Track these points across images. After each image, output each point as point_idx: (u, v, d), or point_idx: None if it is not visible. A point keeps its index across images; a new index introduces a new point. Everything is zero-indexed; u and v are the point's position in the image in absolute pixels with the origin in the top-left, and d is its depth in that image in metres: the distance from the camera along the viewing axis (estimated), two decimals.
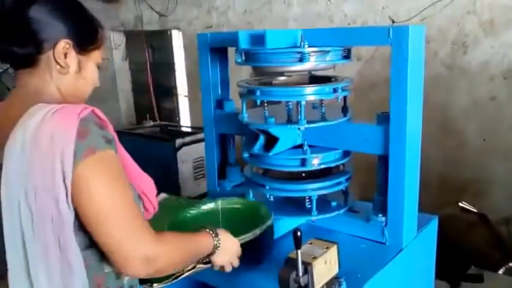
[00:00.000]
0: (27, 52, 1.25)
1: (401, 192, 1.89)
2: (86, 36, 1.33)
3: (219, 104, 2.42)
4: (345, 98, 2.07)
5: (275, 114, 2.03)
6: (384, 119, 1.89)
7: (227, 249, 1.57)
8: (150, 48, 6.79)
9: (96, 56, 1.37)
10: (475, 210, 3.45)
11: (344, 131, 2.01)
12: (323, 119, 2.03)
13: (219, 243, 1.53)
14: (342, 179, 2.09)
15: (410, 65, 1.78)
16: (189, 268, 1.63)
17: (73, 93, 1.34)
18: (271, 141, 1.98)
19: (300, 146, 2.06)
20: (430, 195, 3.55)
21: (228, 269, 1.61)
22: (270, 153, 1.99)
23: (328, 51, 1.93)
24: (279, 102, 2.17)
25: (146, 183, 1.41)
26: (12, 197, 1.15)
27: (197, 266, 1.66)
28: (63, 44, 1.26)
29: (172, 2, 5.97)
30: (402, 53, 1.77)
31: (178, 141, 4.93)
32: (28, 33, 1.23)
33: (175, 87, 6.81)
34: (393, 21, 4.13)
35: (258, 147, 2.03)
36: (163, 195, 2.21)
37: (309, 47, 1.89)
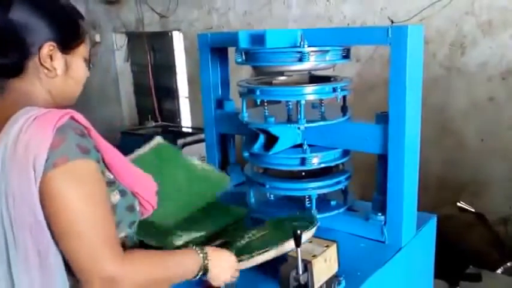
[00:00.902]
0: (12, 61, 1.22)
1: (400, 191, 1.90)
2: (69, 33, 1.29)
3: (219, 104, 2.43)
4: (344, 97, 2.07)
5: (275, 113, 2.04)
6: (382, 118, 1.90)
7: (224, 268, 1.52)
8: (151, 50, 6.80)
9: (81, 51, 1.33)
10: (473, 210, 3.46)
11: (343, 130, 2.02)
12: (323, 118, 2.04)
13: (208, 262, 1.44)
14: (342, 178, 2.10)
15: (409, 64, 1.79)
16: None
17: (63, 94, 1.32)
18: (271, 140, 1.99)
19: (300, 145, 2.07)
20: (429, 196, 3.57)
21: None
22: (270, 153, 2.00)
23: (327, 51, 1.94)
24: (279, 101, 2.18)
25: (141, 182, 1.37)
26: None
27: None
28: (48, 47, 1.23)
29: (173, 4, 5.98)
30: (401, 53, 1.78)
31: (180, 141, 4.96)
32: (10, 41, 1.20)
33: (176, 89, 6.82)
34: (392, 22, 4.14)
35: (258, 146, 2.04)
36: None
37: (309, 46, 1.90)
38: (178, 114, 6.91)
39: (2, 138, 1.12)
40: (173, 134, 5.47)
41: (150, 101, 6.82)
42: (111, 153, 1.28)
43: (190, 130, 5.62)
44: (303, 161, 2.03)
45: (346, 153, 2.12)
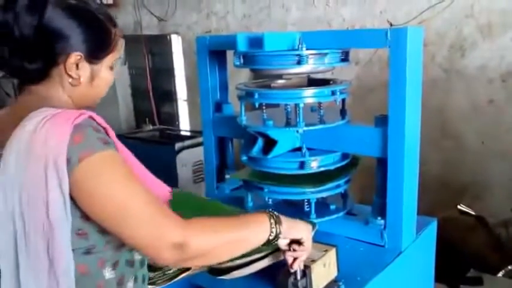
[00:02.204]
0: (38, 67, 1.22)
1: (400, 195, 1.89)
2: (99, 45, 1.29)
3: (218, 107, 2.41)
4: (343, 100, 2.06)
5: (274, 117, 2.03)
6: (382, 121, 1.89)
7: (300, 227, 1.49)
8: (149, 53, 6.79)
9: (109, 59, 1.33)
10: (474, 213, 3.44)
11: (342, 134, 2.01)
12: (321, 121, 2.03)
13: (279, 224, 1.40)
14: (341, 182, 2.09)
15: (408, 67, 1.77)
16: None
17: (85, 99, 1.33)
18: (270, 144, 1.98)
19: (299, 149, 2.06)
20: (429, 198, 3.55)
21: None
22: (269, 156, 1.98)
23: (326, 54, 1.93)
24: (278, 105, 2.17)
25: (155, 188, 1.37)
26: (7, 206, 1.13)
27: (193, 268, 1.66)
28: (74, 57, 1.23)
29: (171, 7, 5.98)
30: (401, 55, 1.77)
31: (178, 145, 4.95)
32: (39, 47, 1.20)
33: (174, 92, 6.81)
34: (391, 24, 4.14)
35: (256, 150, 2.03)
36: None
37: (307, 49, 1.89)
38: (176, 117, 6.90)
39: (16, 136, 1.13)
40: (171, 137, 5.46)
41: (148, 104, 6.81)
42: (127, 157, 1.28)
43: (188, 133, 5.61)
44: (302, 165, 2.02)
45: (345, 156, 2.10)
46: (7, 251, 1.15)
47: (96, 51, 1.28)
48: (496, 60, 3.70)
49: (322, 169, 2.03)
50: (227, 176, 2.44)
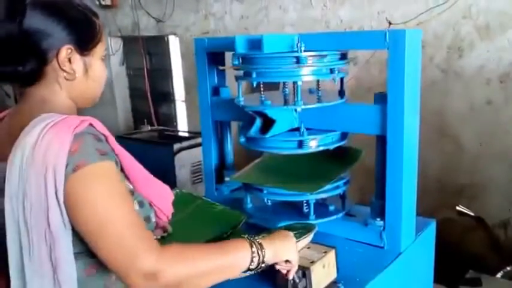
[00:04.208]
0: (31, 68, 1.22)
1: (399, 196, 1.89)
2: (86, 35, 1.29)
3: (216, 91, 2.41)
4: (341, 80, 2.06)
5: (272, 98, 2.02)
6: (381, 98, 1.89)
7: (285, 249, 1.46)
8: (147, 54, 6.79)
9: (99, 50, 1.34)
10: (472, 214, 3.45)
11: (341, 112, 2.00)
12: (320, 101, 2.02)
13: (261, 251, 1.36)
14: (340, 183, 2.09)
15: (407, 69, 1.78)
16: None
17: (84, 95, 1.34)
18: (268, 124, 1.97)
19: (297, 129, 2.05)
20: (427, 199, 3.56)
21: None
22: (267, 136, 1.97)
23: (325, 56, 1.93)
24: (276, 88, 2.16)
25: (159, 191, 1.38)
26: (14, 214, 1.14)
27: None
28: (65, 50, 1.24)
29: (169, 8, 5.98)
30: (399, 57, 1.77)
31: (176, 145, 4.94)
32: (27, 49, 1.20)
33: (172, 93, 6.81)
34: (390, 23, 4.14)
35: (254, 129, 2.01)
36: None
37: (306, 51, 1.89)
38: (174, 118, 6.90)
39: (20, 145, 1.14)
40: (169, 138, 5.45)
41: (146, 105, 6.81)
42: (129, 161, 1.28)
43: (186, 134, 5.60)
44: (301, 144, 2.00)
45: (344, 136, 2.09)
46: (15, 258, 1.16)
47: (84, 42, 1.28)
48: (493, 61, 3.71)
49: (321, 148, 2.01)
50: (226, 179, 2.43)
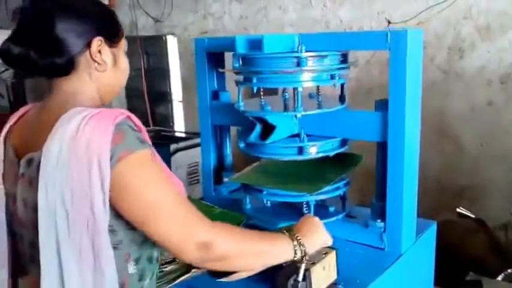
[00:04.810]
0: (67, 59, 1.28)
1: (399, 198, 1.88)
2: (113, 28, 1.37)
3: (215, 95, 2.40)
4: (342, 86, 2.06)
5: (272, 104, 2.02)
6: (382, 105, 1.88)
7: (317, 237, 1.57)
8: (145, 54, 6.78)
9: (123, 43, 1.41)
10: (473, 216, 3.45)
11: (341, 118, 1.99)
12: (320, 107, 2.01)
13: (302, 246, 1.48)
14: (340, 184, 2.08)
15: (408, 70, 1.77)
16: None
17: (111, 87, 1.40)
18: (268, 129, 1.97)
19: (297, 135, 2.04)
20: (428, 201, 3.55)
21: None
22: (267, 142, 1.97)
23: (325, 56, 1.92)
24: (276, 92, 2.16)
25: (177, 188, 1.41)
26: (49, 203, 1.16)
27: (192, 270, 1.66)
28: (97, 41, 1.30)
29: (167, 8, 5.97)
30: (401, 58, 1.76)
31: (173, 146, 4.92)
32: (64, 40, 1.25)
33: (169, 93, 6.80)
34: (389, 22, 4.13)
35: (254, 135, 2.00)
36: None
37: (306, 51, 1.88)
38: (171, 118, 6.88)
39: (56, 135, 1.17)
40: (166, 138, 5.44)
41: (143, 105, 6.79)
42: (158, 155, 1.34)
43: (183, 135, 5.59)
44: (301, 150, 2.00)
45: (344, 142, 2.08)
46: (49, 247, 1.18)
47: (112, 35, 1.35)
48: (494, 62, 3.71)
49: (320, 154, 2.01)
50: (225, 180, 2.42)
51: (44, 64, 1.27)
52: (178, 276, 1.67)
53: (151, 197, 1.20)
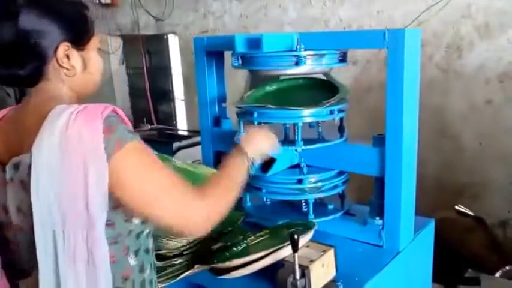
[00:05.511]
0: (31, 70, 1.24)
1: (398, 195, 1.89)
2: (80, 30, 1.31)
3: (217, 122, 2.42)
4: (341, 118, 2.08)
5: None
6: (379, 141, 1.91)
7: (259, 144, 1.68)
8: (146, 53, 6.78)
9: (94, 43, 1.36)
10: (472, 214, 3.45)
11: (341, 152, 2.04)
12: (320, 140, 2.05)
13: (246, 155, 1.60)
14: (339, 182, 2.09)
15: (406, 68, 1.78)
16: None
17: (86, 88, 1.37)
18: (269, 161, 1.98)
19: (297, 165, 2.10)
20: (426, 199, 3.55)
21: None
22: (268, 174, 2.01)
23: (324, 55, 1.94)
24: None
25: None
26: (43, 200, 1.15)
27: (195, 267, 1.68)
28: (63, 47, 1.25)
29: (168, 7, 5.97)
30: (398, 57, 1.77)
31: (175, 144, 4.93)
32: (25, 51, 1.22)
33: (172, 91, 6.80)
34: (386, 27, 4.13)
35: (255, 168, 2.02)
36: None
37: (305, 50, 1.89)
38: (174, 116, 6.89)
39: (44, 136, 1.15)
40: (168, 136, 5.45)
41: (146, 104, 6.80)
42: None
43: (186, 133, 5.59)
44: (300, 182, 2.05)
45: (343, 172, 2.13)
46: (45, 243, 1.18)
47: (80, 38, 1.30)
48: (493, 60, 3.70)
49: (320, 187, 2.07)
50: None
51: (6, 76, 1.24)
52: (181, 273, 1.68)
53: (151, 183, 1.23)
